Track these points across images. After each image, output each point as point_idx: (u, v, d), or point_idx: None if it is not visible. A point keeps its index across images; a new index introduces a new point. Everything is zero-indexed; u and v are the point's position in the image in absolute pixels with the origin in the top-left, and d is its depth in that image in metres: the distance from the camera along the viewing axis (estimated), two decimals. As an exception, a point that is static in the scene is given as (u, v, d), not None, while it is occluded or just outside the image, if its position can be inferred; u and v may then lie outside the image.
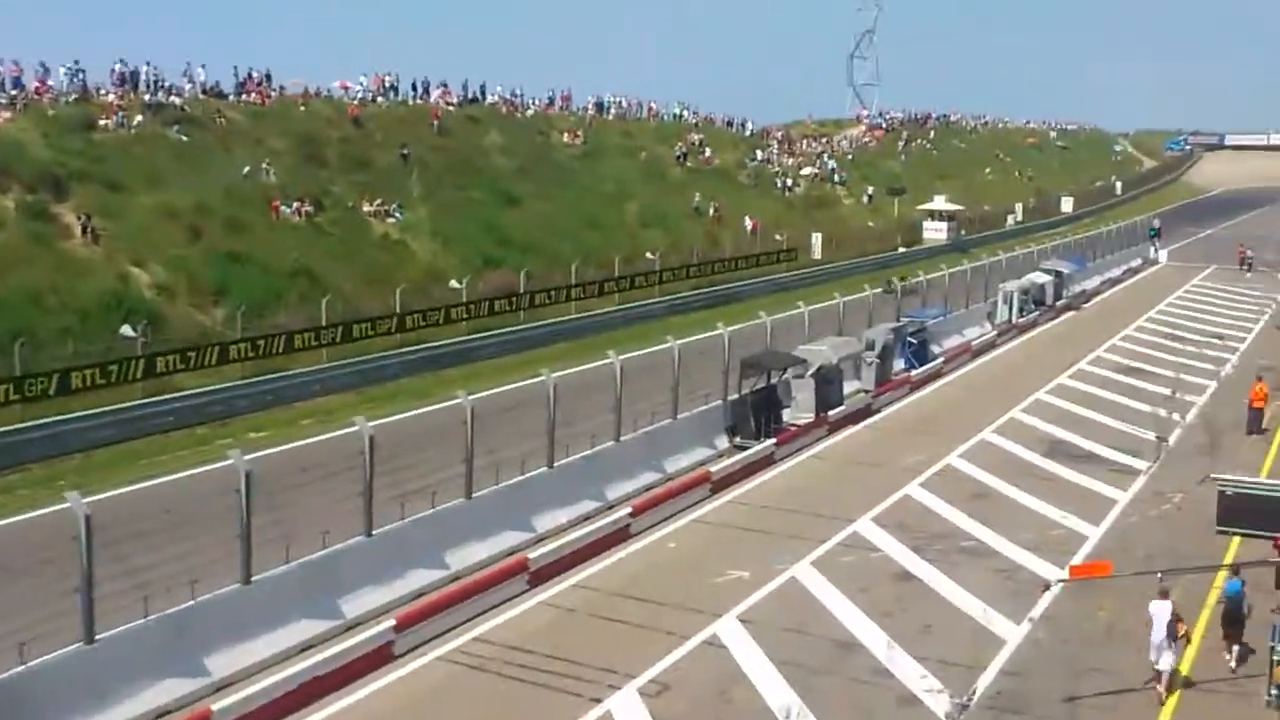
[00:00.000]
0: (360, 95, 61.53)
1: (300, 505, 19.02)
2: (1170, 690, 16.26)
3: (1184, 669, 16.78)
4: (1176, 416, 33.21)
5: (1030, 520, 24.33)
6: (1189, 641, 16.77)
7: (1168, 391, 36.22)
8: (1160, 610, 16.31)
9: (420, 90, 65.82)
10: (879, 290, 44.46)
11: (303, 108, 57.23)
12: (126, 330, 34.01)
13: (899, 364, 38.87)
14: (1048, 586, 19.52)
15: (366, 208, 50.53)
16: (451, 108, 65.40)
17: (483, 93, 69.98)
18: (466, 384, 26.48)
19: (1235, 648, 17.18)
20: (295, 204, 47.29)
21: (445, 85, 67.32)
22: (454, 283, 45.18)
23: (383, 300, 41.61)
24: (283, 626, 17.45)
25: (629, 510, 23.51)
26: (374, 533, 19.57)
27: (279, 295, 41.01)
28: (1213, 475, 24.89)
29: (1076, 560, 20.90)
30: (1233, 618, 17.18)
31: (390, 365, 38.18)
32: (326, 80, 62.13)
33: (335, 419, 29.34)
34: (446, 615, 18.38)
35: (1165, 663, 16.17)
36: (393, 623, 17.47)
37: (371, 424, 19.57)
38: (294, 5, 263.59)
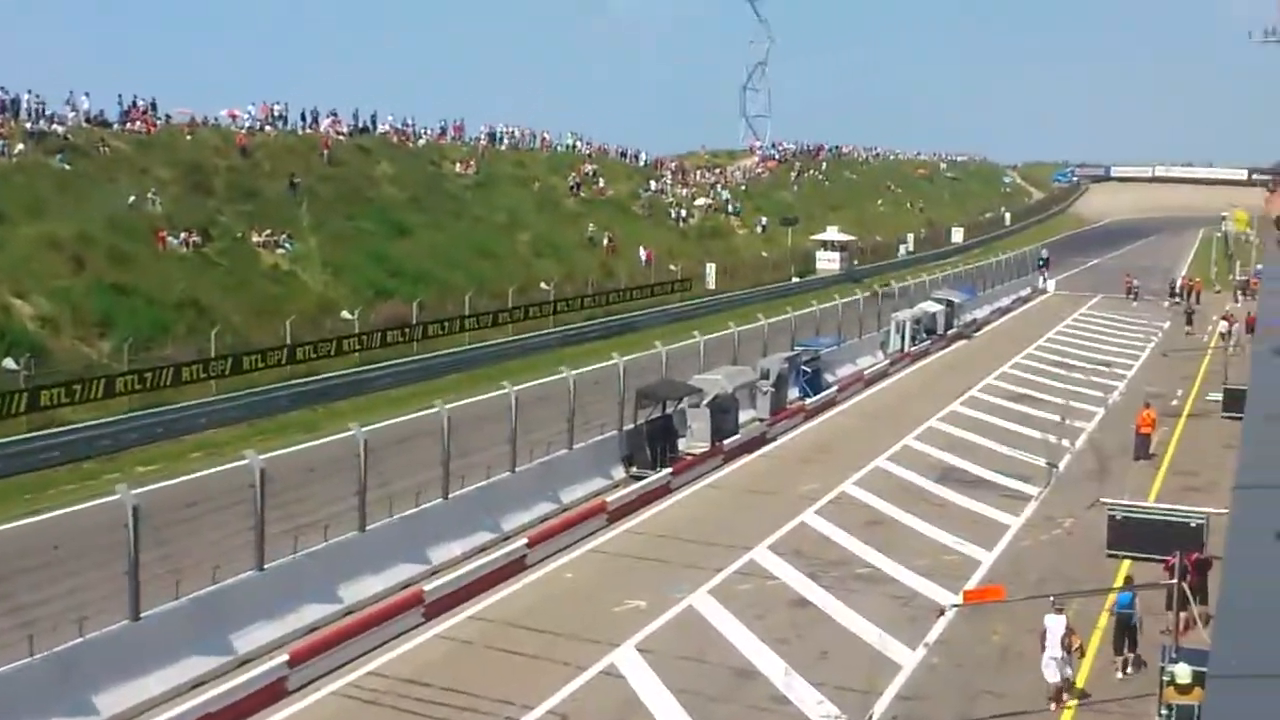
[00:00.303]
0: (248, 124, 60.67)
1: (190, 540, 18.66)
2: (1066, 701, 16.67)
3: (1079, 682, 17.16)
4: (1066, 443, 33.90)
5: (924, 546, 24.60)
6: (1082, 654, 17.37)
7: (1057, 418, 36.96)
8: (1055, 625, 16.74)
9: (310, 119, 65.11)
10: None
11: (189, 137, 56.24)
12: (8, 363, 33.02)
13: (793, 393, 39.22)
14: (942, 611, 19.69)
15: (255, 238, 49.72)
16: (342, 137, 64.79)
17: (373, 122, 69.46)
18: (359, 416, 26.12)
19: (1127, 658, 17.76)
20: (182, 234, 46.37)
21: (335, 114, 66.71)
22: (345, 313, 44.65)
23: (273, 331, 40.95)
24: (173, 663, 17.01)
25: (525, 541, 23.32)
26: (266, 567, 19.18)
27: (166, 327, 40.13)
28: (1102, 500, 25.42)
29: (970, 585, 21.16)
30: (1124, 628, 17.80)
31: (281, 397, 37.53)
32: (214, 109, 61.25)
33: (225, 452, 28.74)
34: (341, 649, 18.05)
35: (1060, 675, 16.56)
36: (286, 658, 17.10)
37: (262, 457, 19.20)
38: (181, 34, 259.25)
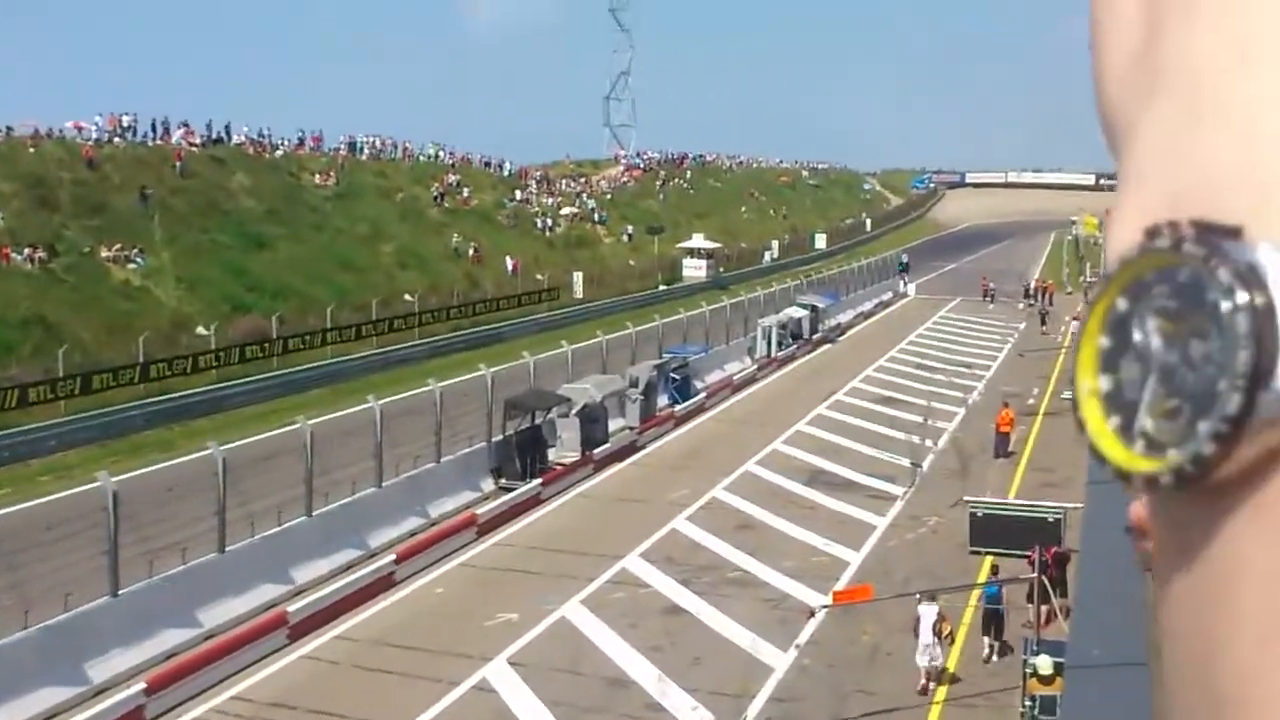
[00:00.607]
0: (95, 136, 58.72)
1: (40, 566, 18.13)
2: (939, 684, 17.52)
3: (950, 666, 17.97)
4: (929, 443, 34.52)
5: (794, 549, 24.79)
6: (953, 640, 18.30)
7: (920, 419, 37.63)
8: (927, 612, 17.58)
9: (160, 130, 63.27)
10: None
11: (32, 149, 54.20)
12: None
13: (663, 400, 39.27)
14: (813, 613, 19.87)
15: (105, 253, 48.09)
16: (195, 148, 63.07)
17: (228, 133, 67.77)
18: (217, 434, 25.43)
19: (995, 644, 18.69)
20: (26, 250, 44.62)
21: (187, 125, 64.95)
22: (201, 329, 43.47)
23: (125, 349, 39.60)
24: (24, 695, 16.47)
25: (393, 557, 22.95)
26: (120, 592, 18.58)
27: (11, 347, 38.58)
28: (964, 498, 25.87)
29: (839, 586, 21.39)
30: (990, 616, 18.86)
31: (134, 417, 36.28)
32: (58, 121, 59.17)
33: (76, 475, 27.64)
34: (201, 675, 17.57)
35: (933, 660, 17.49)
36: (144, 685, 16.61)
37: (116, 479, 18.61)
38: (23, 44, 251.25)
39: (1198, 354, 0.38)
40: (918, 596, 18.06)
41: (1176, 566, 0.40)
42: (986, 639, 18.96)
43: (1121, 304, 0.41)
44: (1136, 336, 0.41)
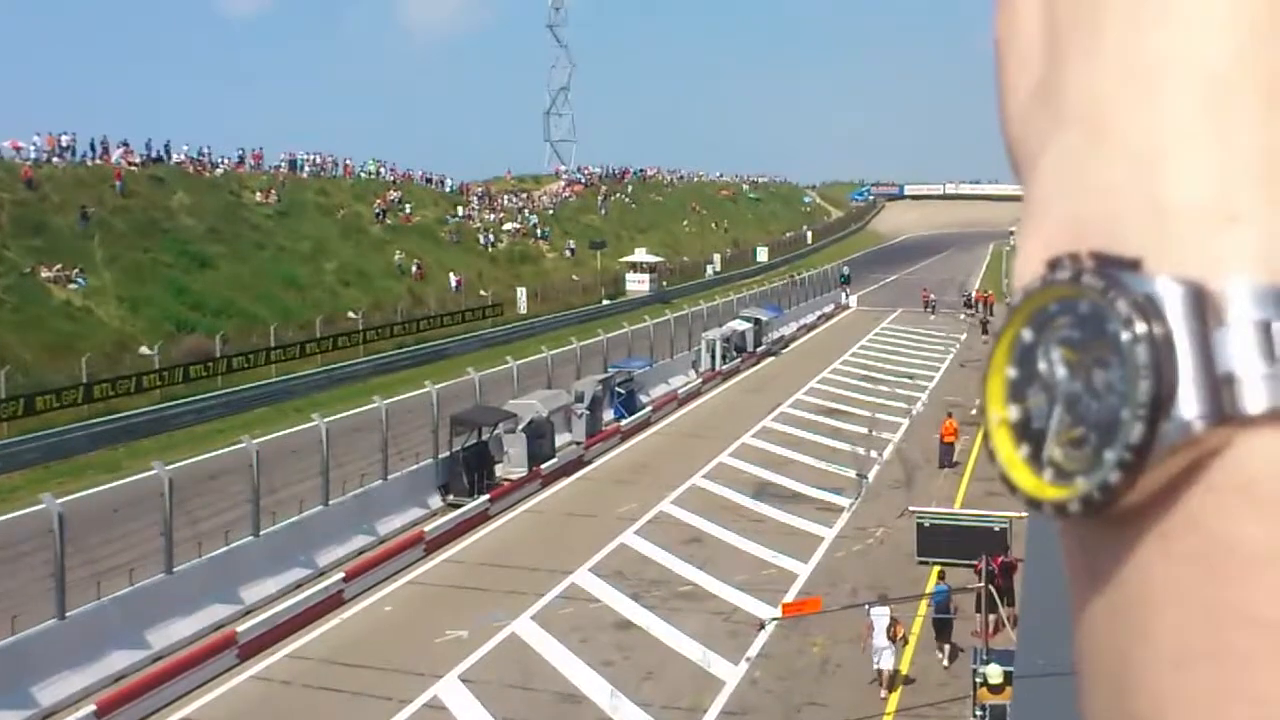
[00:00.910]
0: (34, 156, 58.03)
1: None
2: (892, 688, 17.93)
3: (903, 668, 18.48)
4: (874, 454, 34.85)
5: (743, 562, 24.98)
6: (906, 642, 18.88)
7: (865, 430, 37.98)
8: (880, 615, 18.09)
9: (99, 150, 62.63)
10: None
11: (-32, 170, 53.51)
12: None
13: (609, 414, 39.37)
14: (763, 626, 20.07)
15: (45, 274, 47.53)
16: (134, 168, 62.49)
17: (168, 151, 67.18)
18: (163, 454, 25.31)
19: (946, 647, 19.30)
20: (-36, 271, 44.02)
21: (127, 144, 64.32)
22: (145, 349, 43.01)
23: (68, 370, 39.15)
24: (-32, 722, 16.17)
25: (342, 575, 22.91)
26: (68, 614, 18.44)
27: (-51, 369, 37.96)
28: (910, 508, 26.20)
29: (789, 598, 21.59)
30: (941, 620, 19.36)
31: (78, 438, 35.86)
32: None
33: (21, 497, 27.33)
34: (150, 696, 17.47)
35: (886, 662, 17.97)
36: (93, 708, 16.52)
37: (61, 501, 18.46)
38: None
39: (1101, 383, 0.39)
40: (866, 607, 18.34)
41: (1090, 592, 0.41)
42: (939, 646, 19.49)
43: (1026, 335, 0.42)
44: (1042, 366, 0.42)
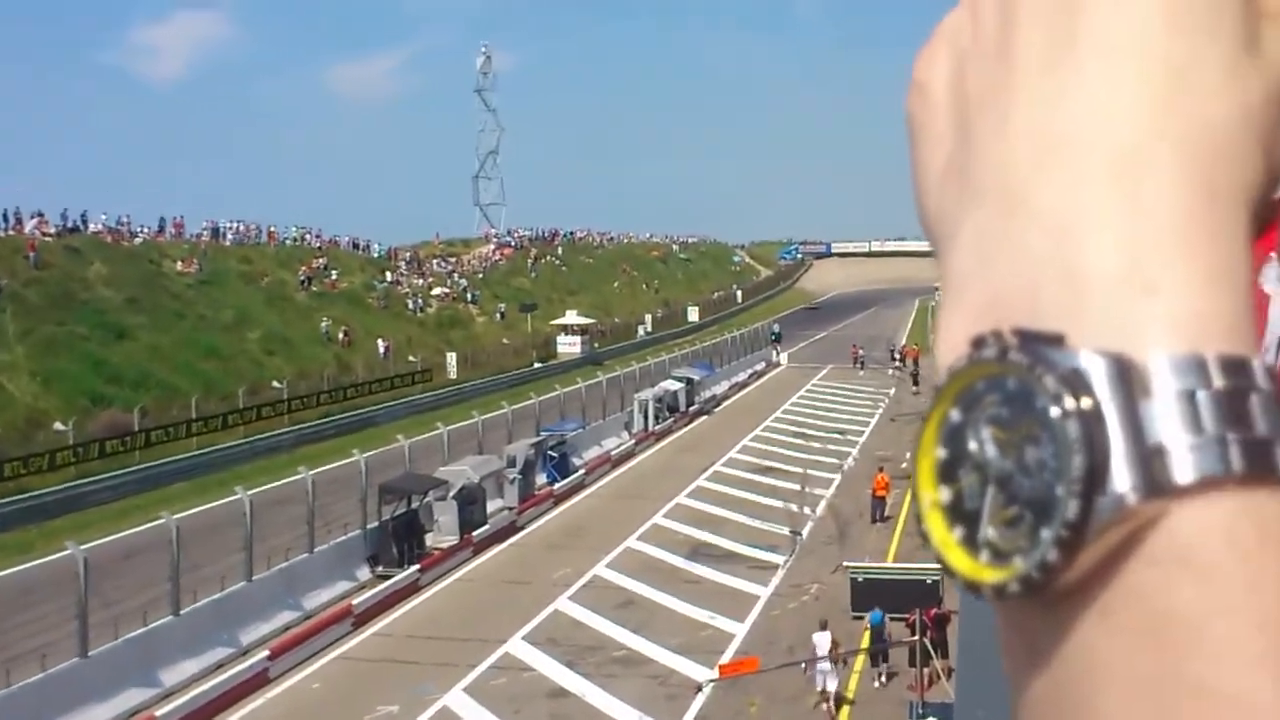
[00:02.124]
0: (-57, 229, 56.76)
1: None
2: (838, 707, 19.18)
3: (848, 693, 19.94)
4: (807, 510, 34.64)
5: (678, 624, 24.57)
6: (847, 664, 20.33)
7: (798, 487, 37.77)
8: (822, 639, 19.47)
9: (12, 220, 61.40)
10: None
11: (-123, 244, 52.15)
12: None
13: (541, 478, 38.86)
14: (700, 688, 19.74)
15: (-45, 349, 46.29)
16: (49, 238, 61.29)
17: (84, 221, 66.02)
18: (77, 533, 24.45)
19: (882, 667, 20.81)
20: None
21: (41, 214, 63.11)
22: (59, 424, 41.90)
23: (-23, 448, 37.98)
24: None
25: (266, 653, 22.18)
26: (-29, 707, 17.50)
27: None
28: (844, 563, 26.02)
29: (725, 659, 21.23)
30: (877, 643, 20.77)
31: (-11, 519, 34.69)
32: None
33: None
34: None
35: (830, 684, 19.15)
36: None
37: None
38: None
39: (1033, 461, 0.39)
40: (803, 666, 18.22)
41: (1030, 672, 0.40)
42: (875, 680, 20.89)
43: (954, 415, 0.42)
44: (972, 446, 0.41)
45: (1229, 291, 0.39)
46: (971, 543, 0.40)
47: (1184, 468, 0.37)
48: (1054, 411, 0.39)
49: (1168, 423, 0.38)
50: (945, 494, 0.42)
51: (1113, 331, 0.39)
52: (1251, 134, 0.42)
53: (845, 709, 19.61)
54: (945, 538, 0.41)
